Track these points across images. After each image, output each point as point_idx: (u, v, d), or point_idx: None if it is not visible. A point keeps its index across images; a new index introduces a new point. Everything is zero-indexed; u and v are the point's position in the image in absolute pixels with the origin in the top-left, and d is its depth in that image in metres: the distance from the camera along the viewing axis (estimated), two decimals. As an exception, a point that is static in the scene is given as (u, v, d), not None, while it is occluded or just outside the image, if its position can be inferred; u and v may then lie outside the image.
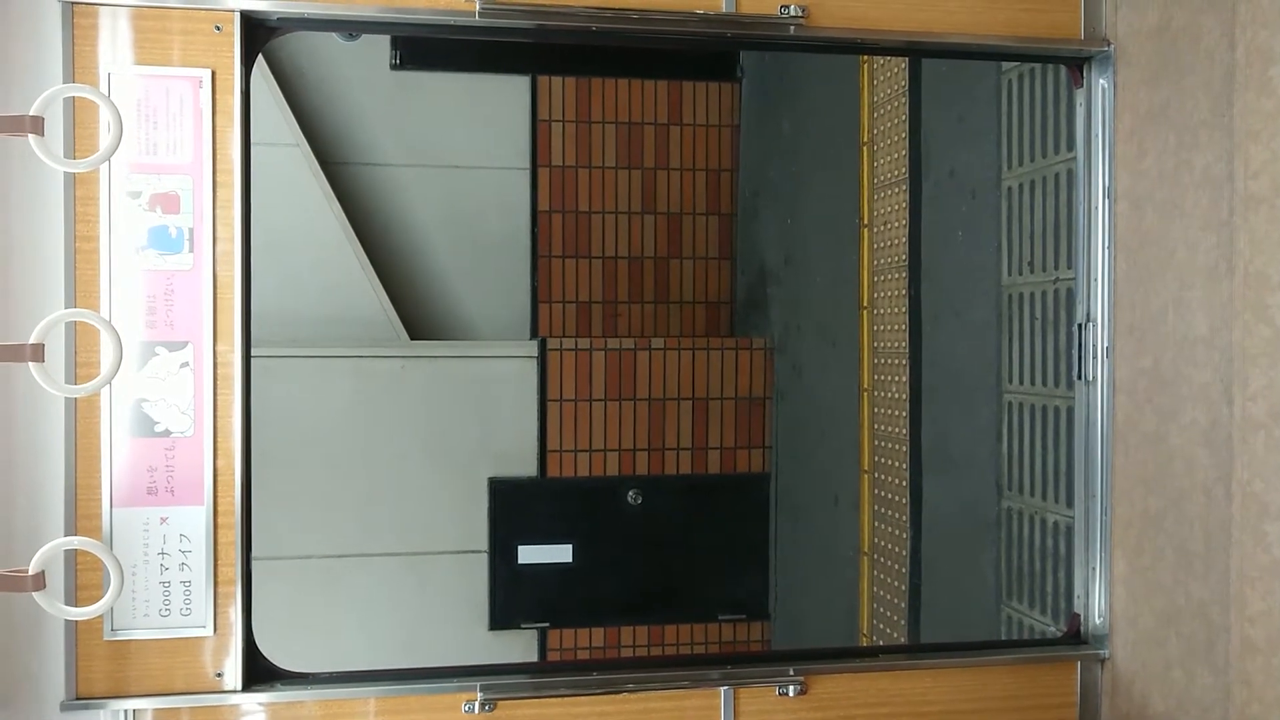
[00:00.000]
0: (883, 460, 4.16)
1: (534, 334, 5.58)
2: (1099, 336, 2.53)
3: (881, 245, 4.19)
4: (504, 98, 5.63)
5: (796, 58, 5.05)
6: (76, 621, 2.15)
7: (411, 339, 5.33)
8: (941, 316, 3.80)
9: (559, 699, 2.35)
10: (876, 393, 4.22)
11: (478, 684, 2.31)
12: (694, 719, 2.39)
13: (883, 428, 4.16)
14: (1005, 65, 3.32)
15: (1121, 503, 2.47)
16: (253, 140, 2.25)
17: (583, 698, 2.36)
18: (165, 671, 2.20)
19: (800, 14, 2.39)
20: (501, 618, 5.22)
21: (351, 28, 2.42)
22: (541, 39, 2.46)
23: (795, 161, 5.20)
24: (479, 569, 5.20)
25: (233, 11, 2.20)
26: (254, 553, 2.26)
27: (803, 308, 5.12)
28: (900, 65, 4.03)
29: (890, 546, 4.09)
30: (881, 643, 4.14)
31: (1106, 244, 2.51)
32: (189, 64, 2.20)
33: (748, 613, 5.38)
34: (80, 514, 2.16)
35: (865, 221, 4.33)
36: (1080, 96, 2.58)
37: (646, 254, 5.74)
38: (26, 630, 2.11)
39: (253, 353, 2.25)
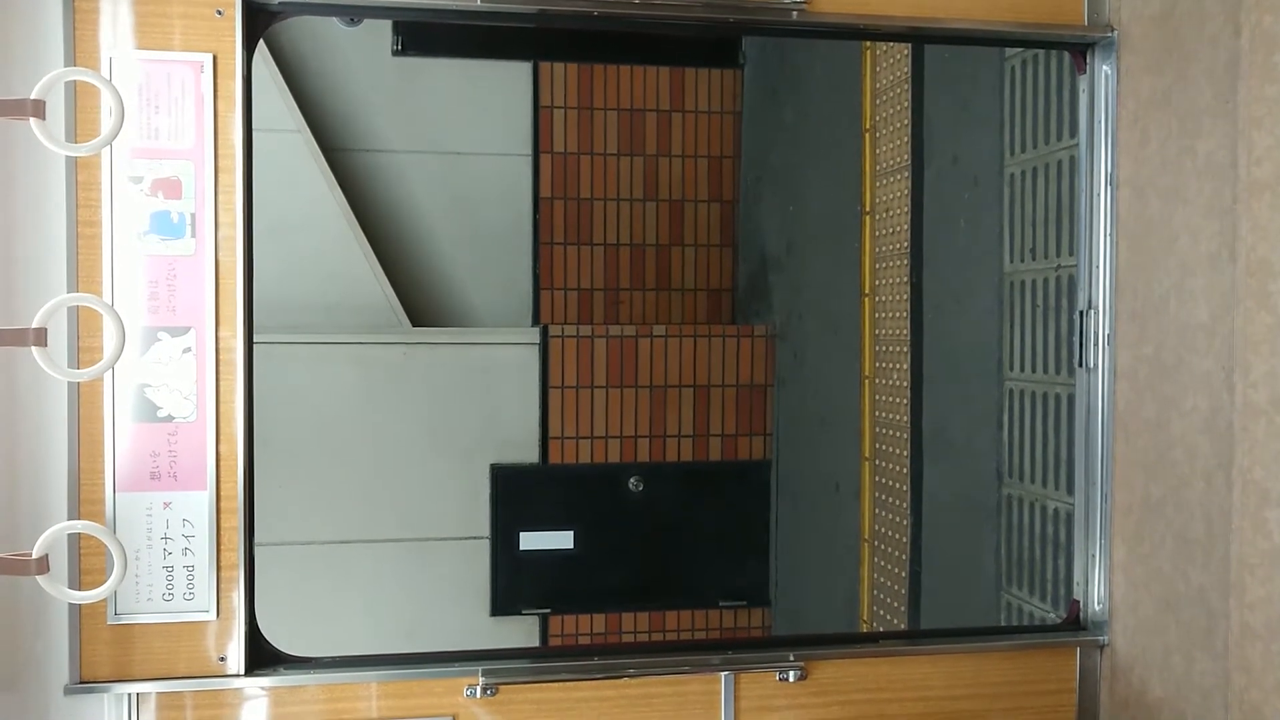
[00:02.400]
0: (883, 447, 4.17)
1: (536, 321, 5.58)
2: (1100, 323, 2.53)
3: (883, 232, 4.18)
4: (506, 84, 5.62)
5: (799, 44, 5.03)
6: (80, 605, 2.16)
7: (413, 325, 5.34)
8: (943, 304, 3.80)
9: (560, 684, 2.36)
10: (878, 380, 4.22)
11: (479, 669, 2.32)
12: (695, 704, 2.40)
13: (884, 415, 4.16)
14: (1008, 51, 3.31)
15: (1122, 490, 2.47)
16: (254, 126, 2.25)
17: (584, 683, 2.37)
18: (168, 655, 2.21)
19: (803, -1, 2.38)
20: (503, 603, 5.23)
21: (353, 13, 2.42)
22: (543, 24, 2.45)
23: (797, 148, 5.19)
24: (481, 555, 5.22)
25: (234, -4, 2.19)
26: (256, 538, 2.27)
27: (804, 295, 5.12)
28: (903, 51, 4.02)
29: (891, 533, 4.09)
30: (882, 629, 4.15)
31: (1109, 231, 2.51)
32: (190, 48, 2.19)
33: (748, 599, 5.40)
34: (83, 498, 2.17)
35: (867, 209, 4.32)
36: (1083, 83, 2.57)
37: (648, 241, 5.73)
38: (30, 614, 2.12)
39: (255, 338, 2.25)
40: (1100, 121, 2.53)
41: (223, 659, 2.23)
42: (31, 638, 2.13)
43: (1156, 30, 2.36)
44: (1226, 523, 2.11)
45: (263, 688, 2.25)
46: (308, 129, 5.18)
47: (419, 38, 5.47)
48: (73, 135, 2.13)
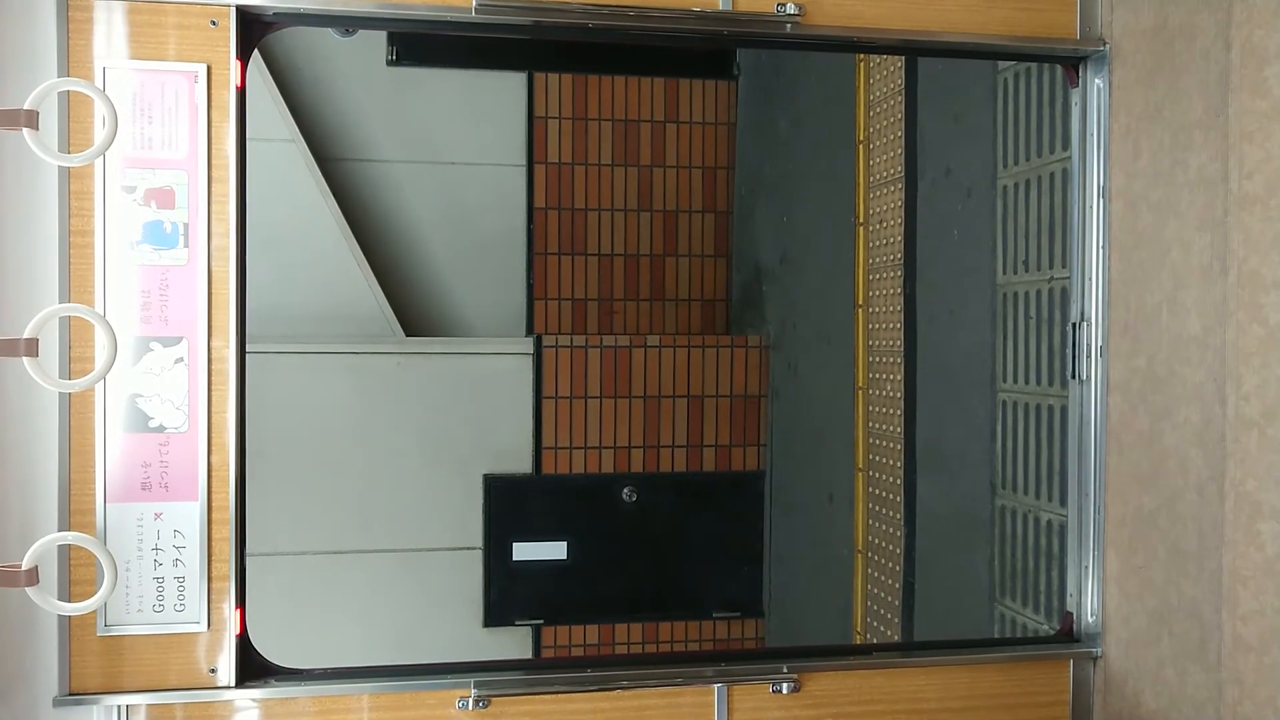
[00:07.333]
0: (877, 458, 4.17)
1: (529, 331, 5.57)
2: (1093, 335, 2.53)
3: (877, 244, 4.19)
4: (500, 94, 5.62)
5: (793, 56, 5.05)
6: (70, 617, 2.15)
7: (407, 335, 5.33)
8: (936, 315, 3.80)
9: (553, 696, 2.35)
10: (871, 391, 4.22)
11: (472, 680, 2.31)
12: (688, 716, 2.39)
13: (877, 426, 4.16)
14: (1001, 64, 3.33)
15: (1115, 501, 2.48)
16: (248, 135, 2.25)
17: (577, 695, 2.36)
18: (159, 667, 2.20)
19: (797, 12, 2.39)
20: (496, 614, 5.22)
21: (348, 23, 2.42)
22: (538, 35, 2.46)
23: (791, 160, 5.21)
24: (474, 566, 5.20)
25: (228, 6, 2.19)
26: (248, 549, 2.26)
27: (798, 306, 5.12)
28: (896, 64, 4.03)
29: (884, 544, 4.09)
30: (875, 640, 4.14)
31: (1101, 243, 2.52)
32: (184, 58, 2.19)
33: (742, 610, 5.39)
34: (74, 509, 2.16)
35: (861, 220, 4.33)
36: (1076, 96, 2.58)
37: (642, 251, 5.74)
38: (19, 626, 2.11)
39: (247, 348, 2.25)
40: (1092, 134, 2.54)
41: (213, 670, 2.22)
42: (21, 649, 2.12)
43: (1148, 44, 2.37)
44: (1219, 535, 2.12)
45: (253, 700, 2.24)
46: (302, 139, 5.18)
47: (414, 48, 5.48)
48: (66, 145, 2.13)
